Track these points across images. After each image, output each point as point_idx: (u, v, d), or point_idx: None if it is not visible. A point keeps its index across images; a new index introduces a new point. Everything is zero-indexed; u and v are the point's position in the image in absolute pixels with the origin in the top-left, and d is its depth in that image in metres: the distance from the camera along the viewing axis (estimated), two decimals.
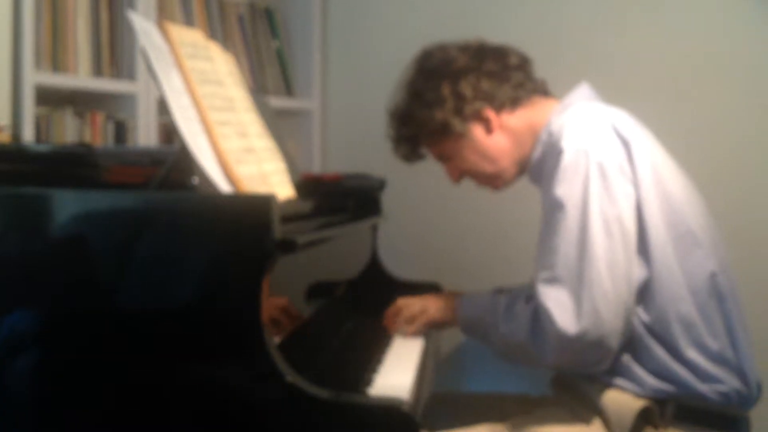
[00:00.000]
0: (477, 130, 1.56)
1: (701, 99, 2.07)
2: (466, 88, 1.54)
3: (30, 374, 1.17)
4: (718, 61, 2.05)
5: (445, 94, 1.54)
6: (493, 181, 1.63)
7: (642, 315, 1.37)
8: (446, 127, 1.55)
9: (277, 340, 1.18)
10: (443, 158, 1.66)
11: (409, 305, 1.69)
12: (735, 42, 2.03)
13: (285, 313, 1.34)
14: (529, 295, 1.41)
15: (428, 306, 1.66)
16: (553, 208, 1.36)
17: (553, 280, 1.33)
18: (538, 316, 1.34)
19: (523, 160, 1.57)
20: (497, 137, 1.57)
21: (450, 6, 2.44)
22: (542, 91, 1.61)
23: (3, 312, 1.17)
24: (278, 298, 1.29)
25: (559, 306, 1.31)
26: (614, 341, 1.32)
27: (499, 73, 1.56)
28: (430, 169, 2.39)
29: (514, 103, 1.55)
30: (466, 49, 1.59)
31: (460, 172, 1.66)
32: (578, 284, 1.31)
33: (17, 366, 1.17)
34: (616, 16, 2.18)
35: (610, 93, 1.61)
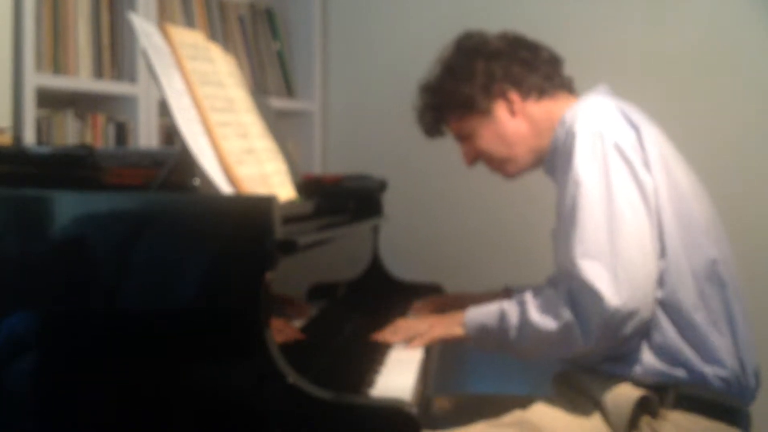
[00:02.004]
0: (500, 111, 1.61)
1: (701, 96, 2.07)
2: (497, 68, 1.60)
3: (30, 376, 1.17)
4: (720, 58, 2.05)
5: (477, 70, 1.60)
6: (505, 165, 1.65)
7: (656, 290, 1.39)
8: (471, 103, 1.60)
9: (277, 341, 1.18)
10: (462, 137, 1.68)
11: (414, 323, 1.64)
12: (736, 39, 2.03)
13: (291, 309, 1.34)
14: (553, 281, 1.42)
15: (434, 324, 1.61)
16: (575, 189, 1.40)
17: (586, 255, 1.35)
18: (578, 295, 1.35)
19: (539, 151, 1.60)
20: (518, 122, 1.60)
21: (450, 8, 2.44)
22: (569, 88, 1.66)
23: (3, 313, 1.17)
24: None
25: (599, 279, 1.32)
26: (648, 311, 1.35)
27: (531, 62, 1.61)
28: (431, 170, 2.40)
29: (541, 92, 1.60)
30: (503, 36, 1.66)
31: (475, 154, 1.68)
32: (611, 256, 1.33)
33: (17, 368, 1.17)
34: (617, 13, 2.18)
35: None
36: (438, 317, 1.65)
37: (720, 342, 1.40)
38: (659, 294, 1.39)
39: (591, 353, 1.42)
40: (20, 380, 1.17)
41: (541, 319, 1.40)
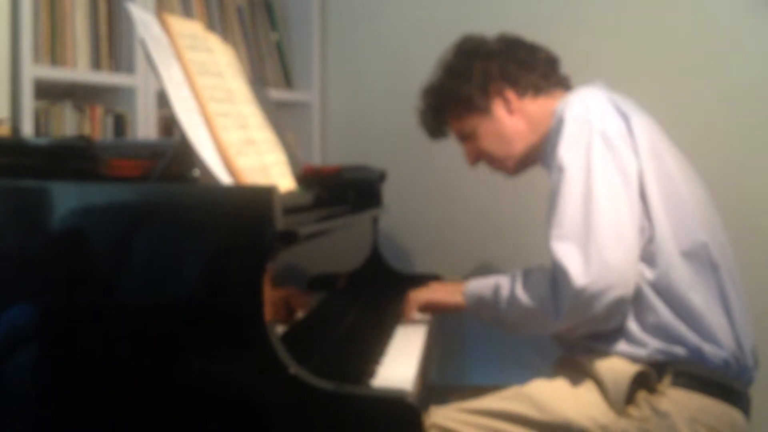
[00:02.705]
0: (498, 110, 1.65)
1: (702, 95, 2.06)
2: (493, 67, 1.65)
3: (30, 369, 1.17)
4: (718, 56, 2.04)
5: (474, 70, 1.65)
6: (505, 163, 1.70)
7: (646, 272, 1.43)
8: (469, 101, 1.66)
9: (279, 331, 1.18)
10: (463, 136, 1.73)
11: (420, 290, 1.75)
12: (736, 37, 2.03)
13: (289, 301, 1.34)
14: (546, 267, 1.45)
15: (436, 289, 1.74)
16: (558, 173, 1.44)
17: (561, 237, 1.40)
18: (554, 274, 1.40)
19: (537, 147, 1.63)
20: (516, 121, 1.65)
21: (450, 0, 2.43)
22: (566, 86, 1.70)
23: (2, 306, 1.17)
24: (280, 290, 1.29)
25: (569, 258, 1.37)
26: (623, 291, 1.37)
27: (527, 61, 1.66)
28: (430, 160, 2.39)
29: (537, 90, 1.65)
30: (501, 38, 1.71)
31: (477, 154, 1.73)
32: (585, 237, 1.37)
33: (17, 361, 1.16)
34: (616, 11, 2.17)
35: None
36: (440, 283, 1.78)
37: (716, 322, 1.42)
38: (650, 275, 1.43)
39: (569, 330, 1.46)
40: (20, 373, 1.17)
41: (523, 295, 1.46)
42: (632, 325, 1.44)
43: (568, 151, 1.44)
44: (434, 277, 2.04)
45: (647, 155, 1.45)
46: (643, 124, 1.49)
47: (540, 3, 2.26)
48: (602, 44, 2.16)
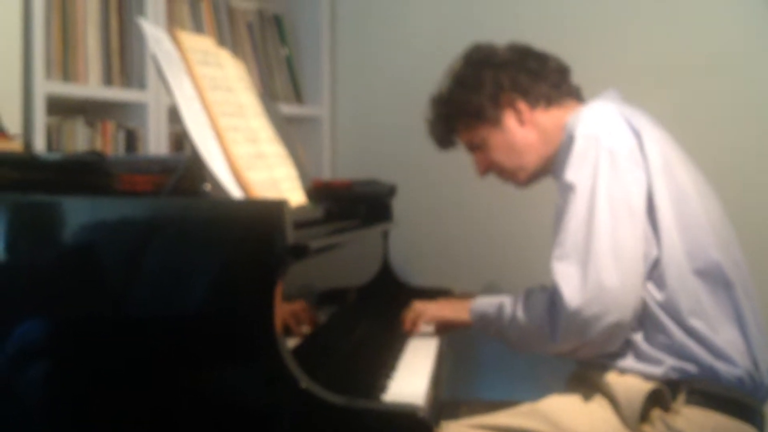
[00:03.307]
0: (509, 121, 1.64)
1: (707, 101, 2.06)
2: (504, 78, 1.63)
3: (43, 383, 1.17)
4: (722, 59, 2.04)
5: (485, 80, 1.64)
6: (516, 174, 1.69)
7: (654, 293, 1.42)
8: (480, 112, 1.64)
9: (290, 345, 1.18)
10: (473, 147, 1.72)
11: (425, 304, 1.75)
12: (743, 44, 2.02)
13: (300, 315, 1.33)
14: (547, 287, 1.45)
15: (443, 305, 1.74)
16: (565, 192, 1.44)
17: (562, 257, 1.40)
18: (552, 296, 1.40)
19: (549, 159, 1.62)
20: (527, 132, 1.64)
21: (459, 13, 2.44)
22: (577, 95, 1.68)
23: (15, 321, 1.17)
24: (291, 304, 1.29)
25: (566, 280, 1.37)
26: (621, 315, 1.36)
27: (538, 71, 1.64)
28: (440, 175, 2.39)
29: (548, 101, 1.63)
30: (511, 47, 1.69)
31: (487, 164, 1.72)
32: (585, 259, 1.37)
33: (29, 375, 1.17)
34: (624, 19, 2.18)
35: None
36: (448, 301, 1.78)
37: (729, 341, 1.41)
38: (660, 296, 1.41)
39: (571, 353, 1.46)
40: (33, 387, 1.17)
41: (523, 315, 1.47)
42: (643, 345, 1.42)
43: (576, 171, 1.43)
44: (445, 291, 2.03)
45: (659, 172, 1.44)
46: (655, 140, 1.47)
47: (548, 14, 2.27)
48: (609, 51, 2.16)
